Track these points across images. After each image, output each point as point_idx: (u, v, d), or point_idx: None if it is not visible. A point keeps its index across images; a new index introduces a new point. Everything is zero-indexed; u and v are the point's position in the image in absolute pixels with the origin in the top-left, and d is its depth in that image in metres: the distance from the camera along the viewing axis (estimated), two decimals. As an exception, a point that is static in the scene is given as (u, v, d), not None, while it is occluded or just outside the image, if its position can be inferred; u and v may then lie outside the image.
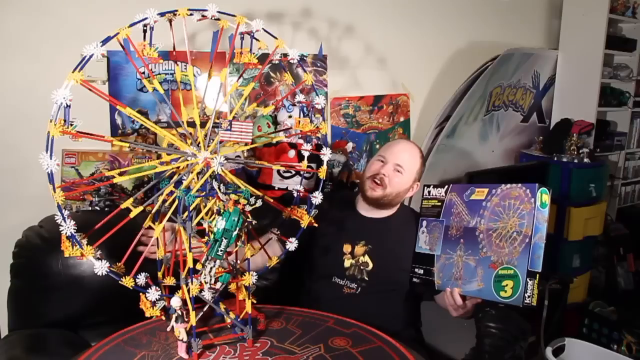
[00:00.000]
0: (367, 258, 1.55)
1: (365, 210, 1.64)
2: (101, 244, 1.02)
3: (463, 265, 1.36)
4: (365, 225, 1.61)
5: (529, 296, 1.21)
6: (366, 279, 1.54)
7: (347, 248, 1.57)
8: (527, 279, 1.21)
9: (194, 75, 1.96)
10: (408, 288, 1.57)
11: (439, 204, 1.49)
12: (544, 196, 1.25)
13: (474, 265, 1.33)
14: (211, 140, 1.08)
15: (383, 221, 1.63)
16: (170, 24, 1.09)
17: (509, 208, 1.29)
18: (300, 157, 1.97)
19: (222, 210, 1.01)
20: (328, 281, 1.57)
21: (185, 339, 1.04)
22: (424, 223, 1.52)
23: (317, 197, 1.21)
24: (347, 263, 1.56)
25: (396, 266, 1.55)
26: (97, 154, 1.83)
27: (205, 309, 1.14)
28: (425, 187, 1.57)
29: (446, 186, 1.49)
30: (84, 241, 0.99)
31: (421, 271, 1.48)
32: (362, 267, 1.55)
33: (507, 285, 1.24)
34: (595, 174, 2.91)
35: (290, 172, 2.06)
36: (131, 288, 1.06)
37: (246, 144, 1.13)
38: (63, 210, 0.94)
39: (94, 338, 1.46)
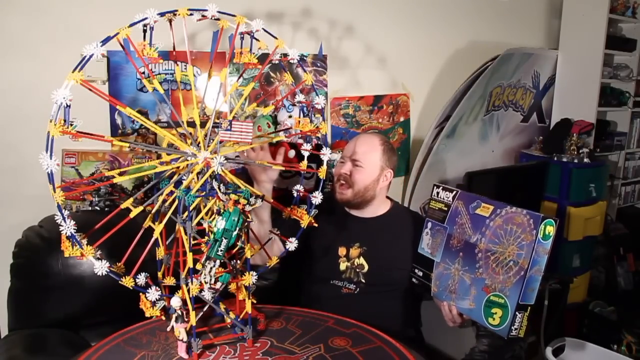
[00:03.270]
0: (362, 260, 1.55)
1: (355, 211, 1.63)
2: (101, 244, 1.02)
3: (459, 279, 1.34)
4: (359, 226, 1.61)
5: (515, 329, 1.17)
6: (363, 280, 1.54)
7: (342, 251, 1.57)
8: (516, 312, 1.17)
9: (194, 75, 1.96)
10: (406, 286, 1.57)
11: (446, 209, 1.46)
12: (548, 228, 1.19)
13: (469, 283, 1.30)
14: (211, 140, 1.08)
15: (376, 221, 1.62)
16: (170, 24, 1.09)
17: (510, 234, 1.23)
18: (300, 157, 1.97)
19: (222, 210, 1.01)
20: (326, 283, 1.57)
21: (185, 339, 1.04)
22: (429, 224, 1.50)
23: (317, 197, 1.21)
24: (343, 266, 1.56)
25: (391, 266, 1.55)
26: (97, 154, 1.83)
27: (205, 309, 1.14)
28: (435, 187, 1.53)
29: (455, 192, 1.46)
30: (84, 241, 0.99)
31: (420, 273, 1.48)
32: (357, 270, 1.55)
33: (496, 313, 1.21)
34: (595, 174, 2.91)
35: (290, 172, 2.06)
36: (131, 288, 1.06)
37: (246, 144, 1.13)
38: (63, 210, 0.94)
39: (94, 338, 1.45)
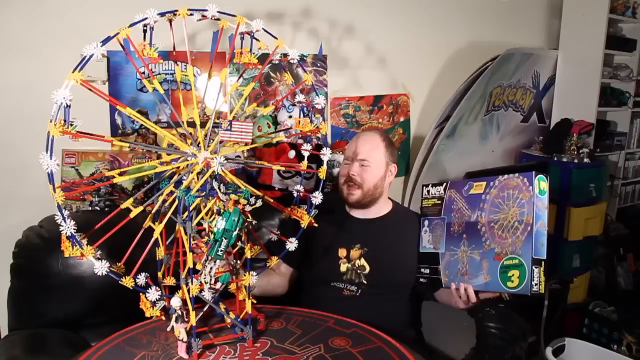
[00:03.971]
0: (363, 261, 1.54)
1: (357, 213, 1.63)
2: (101, 244, 1.02)
3: (468, 260, 1.35)
4: (359, 228, 1.60)
5: (536, 284, 1.20)
6: (364, 282, 1.53)
7: (342, 252, 1.56)
8: (533, 267, 1.20)
9: (194, 75, 1.96)
10: (408, 288, 1.57)
11: (439, 202, 1.49)
12: (542, 183, 1.24)
13: (479, 258, 1.32)
14: (211, 140, 1.08)
15: (377, 221, 1.62)
16: (170, 24, 1.09)
17: (509, 198, 1.29)
18: (300, 157, 1.97)
19: (222, 210, 1.01)
20: (326, 285, 1.56)
21: (185, 339, 1.04)
22: (426, 222, 1.52)
23: (317, 197, 1.21)
24: (344, 267, 1.55)
25: (394, 267, 1.54)
26: (97, 154, 1.83)
27: (205, 309, 1.14)
28: (424, 187, 1.56)
29: (444, 184, 1.49)
30: (84, 241, 0.99)
31: (427, 270, 1.48)
32: (359, 271, 1.54)
33: (513, 275, 1.23)
34: (595, 174, 2.90)
35: (290, 172, 2.06)
36: (131, 288, 1.06)
37: (246, 144, 1.13)
38: (63, 210, 0.94)
39: (94, 338, 1.45)
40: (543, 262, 1.22)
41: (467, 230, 1.37)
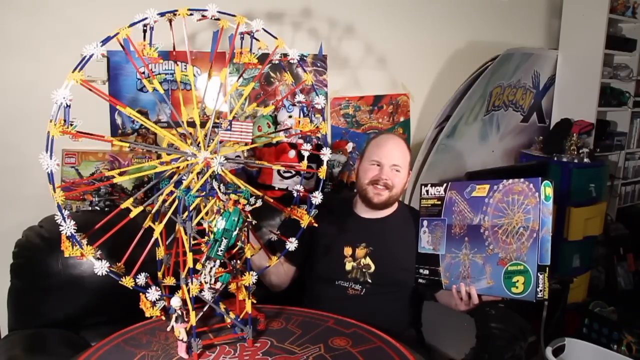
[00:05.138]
0: (368, 260, 1.55)
1: (364, 212, 1.63)
2: (101, 244, 1.02)
3: (470, 263, 1.35)
4: (365, 227, 1.61)
5: (540, 290, 1.20)
6: (369, 281, 1.53)
7: (347, 251, 1.57)
8: (538, 274, 1.20)
9: (194, 75, 1.96)
10: (411, 287, 1.57)
11: (439, 202, 1.48)
12: (548, 189, 1.24)
13: (482, 262, 1.32)
14: (211, 140, 1.08)
15: (382, 221, 1.62)
16: (170, 24, 1.09)
17: (513, 204, 1.28)
18: (300, 157, 1.97)
19: (222, 210, 1.01)
20: (331, 284, 1.56)
21: (185, 339, 1.04)
22: (425, 223, 1.51)
23: (317, 197, 1.21)
24: (349, 266, 1.55)
25: (398, 266, 1.54)
26: (97, 154, 1.83)
27: (205, 309, 1.14)
28: (423, 187, 1.55)
29: (445, 184, 1.48)
30: (84, 241, 0.99)
31: (426, 271, 1.48)
32: (364, 270, 1.54)
33: (518, 281, 1.23)
34: (595, 174, 2.90)
35: (290, 172, 2.06)
36: (131, 288, 1.06)
37: (246, 144, 1.13)
38: (63, 210, 0.94)
39: (94, 338, 1.46)
40: (547, 268, 1.22)
41: (469, 233, 1.36)
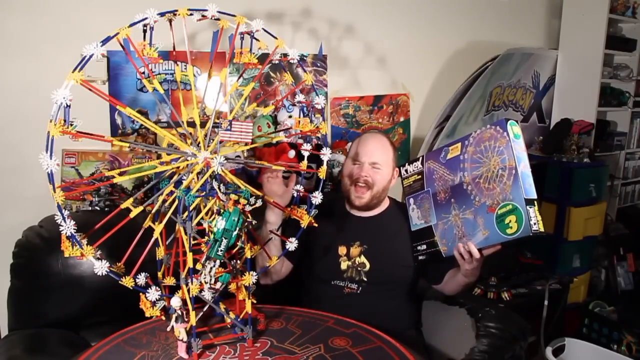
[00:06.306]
0: (363, 259, 1.55)
1: (356, 210, 1.63)
2: (101, 244, 1.02)
3: (462, 222, 1.36)
4: (359, 225, 1.61)
5: (534, 223, 1.21)
6: (365, 279, 1.54)
7: (342, 250, 1.57)
8: (527, 207, 1.21)
9: (194, 75, 1.96)
10: (408, 285, 1.57)
11: (419, 177, 1.50)
12: (515, 128, 1.27)
13: (473, 217, 1.33)
14: (211, 140, 1.08)
15: (376, 219, 1.62)
16: (170, 24, 1.09)
17: (487, 150, 1.30)
18: (300, 157, 1.97)
19: (222, 210, 1.01)
20: (327, 284, 1.56)
21: (185, 339, 1.04)
22: (411, 201, 1.53)
23: (317, 197, 1.21)
24: (344, 265, 1.55)
25: (394, 263, 1.55)
26: (97, 154, 1.83)
27: (205, 309, 1.14)
28: (401, 168, 1.58)
29: (420, 157, 1.51)
30: (84, 241, 0.99)
31: (423, 246, 1.48)
32: (359, 268, 1.54)
33: (510, 221, 1.24)
34: (595, 174, 2.90)
35: (290, 172, 2.05)
36: (131, 288, 1.06)
37: (246, 144, 1.13)
38: (63, 210, 0.95)
39: (94, 338, 1.46)
40: (535, 202, 1.23)
41: (454, 194, 1.38)
